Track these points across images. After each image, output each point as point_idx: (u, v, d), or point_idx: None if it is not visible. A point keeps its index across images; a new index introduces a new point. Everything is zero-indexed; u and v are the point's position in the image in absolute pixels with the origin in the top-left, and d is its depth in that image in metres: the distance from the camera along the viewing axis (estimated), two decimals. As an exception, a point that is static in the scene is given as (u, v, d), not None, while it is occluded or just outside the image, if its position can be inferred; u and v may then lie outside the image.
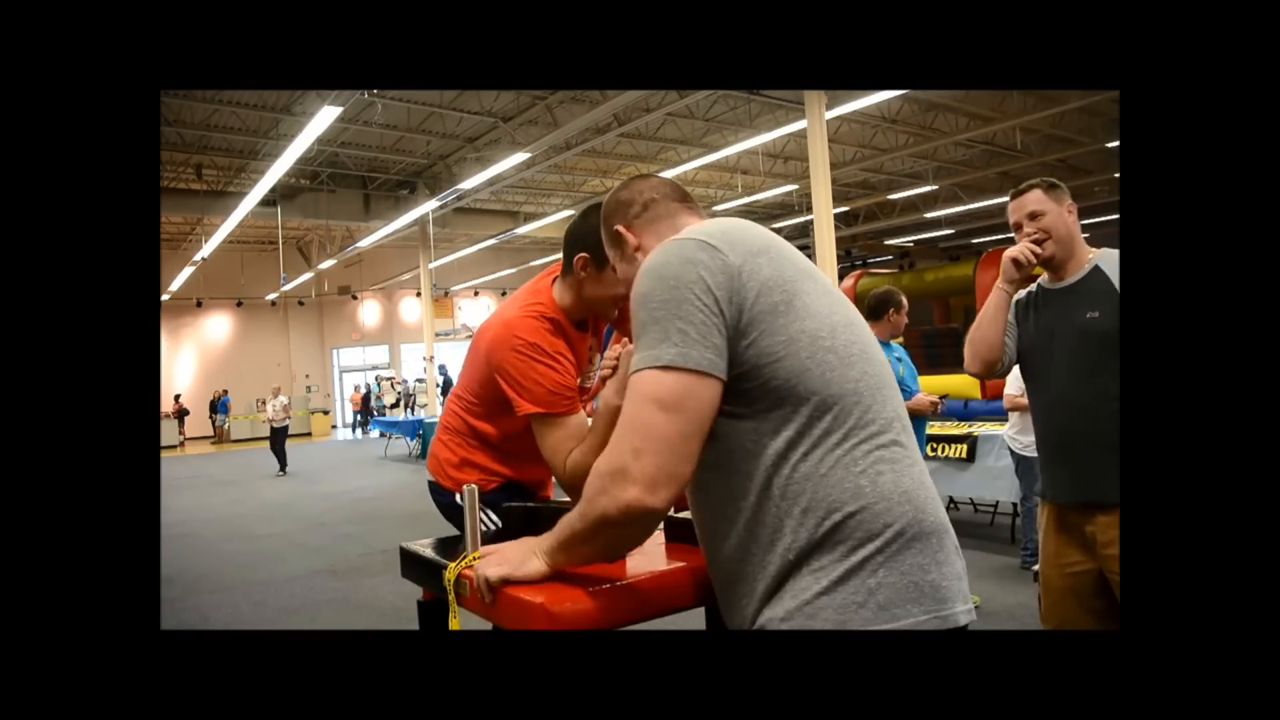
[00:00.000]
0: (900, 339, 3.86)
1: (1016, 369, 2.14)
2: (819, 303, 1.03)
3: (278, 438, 12.61)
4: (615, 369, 1.54)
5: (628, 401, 1.00)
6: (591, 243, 1.56)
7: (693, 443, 0.98)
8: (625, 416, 1.00)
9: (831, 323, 1.03)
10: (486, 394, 1.73)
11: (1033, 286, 2.09)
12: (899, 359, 3.75)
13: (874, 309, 3.72)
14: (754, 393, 0.99)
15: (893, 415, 1.04)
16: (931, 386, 4.32)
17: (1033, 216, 1.99)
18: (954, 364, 12.24)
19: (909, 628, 0.95)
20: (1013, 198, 2.06)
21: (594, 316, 1.79)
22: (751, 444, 1.00)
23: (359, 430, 21.89)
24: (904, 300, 3.72)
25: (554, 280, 1.73)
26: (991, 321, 2.05)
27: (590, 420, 1.65)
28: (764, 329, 0.99)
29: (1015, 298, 2.11)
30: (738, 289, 0.99)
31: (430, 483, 1.90)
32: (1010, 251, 2.00)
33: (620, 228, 1.24)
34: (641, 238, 1.22)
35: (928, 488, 1.03)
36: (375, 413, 20.72)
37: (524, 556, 1.12)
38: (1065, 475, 1.97)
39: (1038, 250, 1.96)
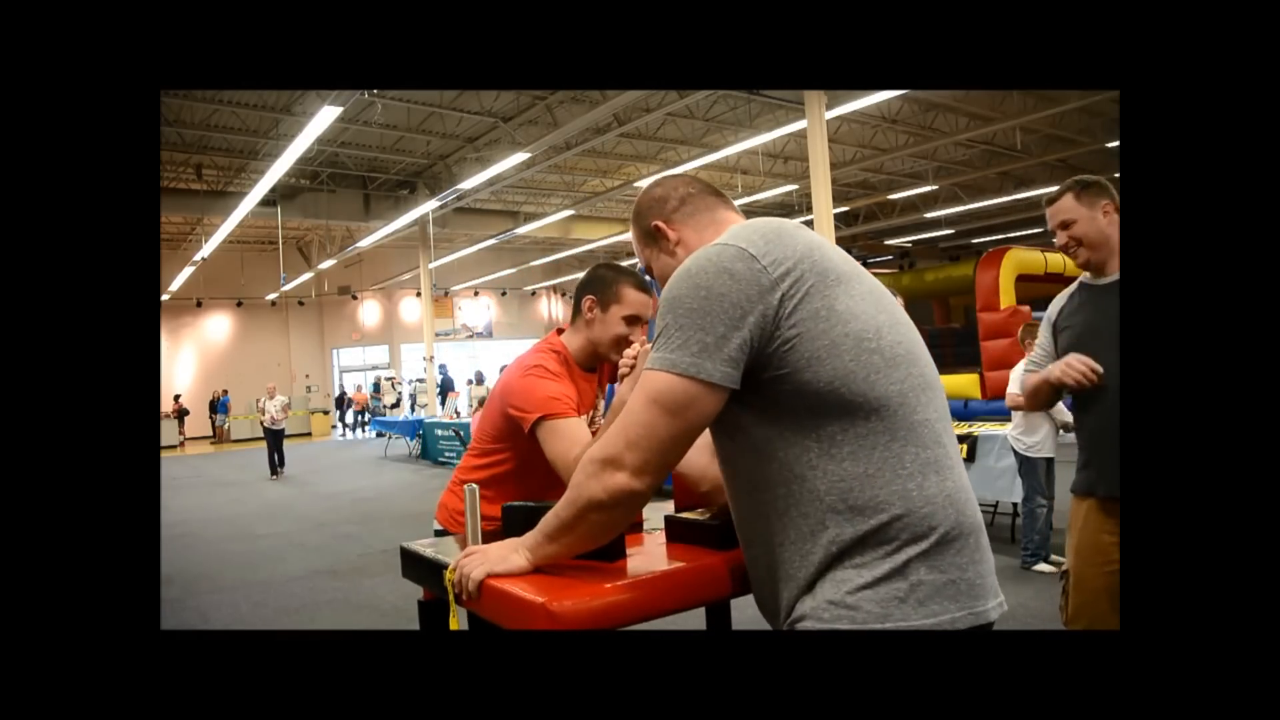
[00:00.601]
0: None
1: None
2: (862, 304, 1.03)
3: (275, 440, 11.96)
4: (634, 368, 1.57)
5: (634, 394, 1.04)
6: (598, 287, 1.82)
7: (685, 443, 1.03)
8: (629, 409, 1.04)
9: (877, 323, 1.03)
10: (498, 430, 1.85)
11: (1074, 285, 2.11)
12: None
13: None
14: (793, 394, 1.00)
15: (936, 416, 1.05)
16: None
17: (1064, 225, 2.01)
18: (954, 364, 12.27)
19: (946, 623, 0.97)
20: (1047, 204, 2.08)
21: (601, 363, 1.91)
22: (793, 435, 1.01)
23: (358, 430, 21.85)
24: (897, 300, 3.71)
25: (562, 331, 1.93)
26: (1045, 401, 2.18)
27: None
28: (804, 333, 0.99)
29: (1057, 299, 2.15)
30: (772, 302, 0.99)
31: (436, 530, 1.96)
32: (1061, 375, 1.96)
33: (659, 223, 1.24)
34: (681, 232, 1.24)
35: (966, 489, 1.05)
36: (373, 413, 20.70)
37: (506, 554, 1.15)
38: (1113, 468, 1.88)
39: (1089, 378, 1.91)
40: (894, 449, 1.00)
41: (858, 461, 0.99)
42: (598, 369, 1.94)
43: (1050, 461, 4.59)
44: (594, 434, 1.82)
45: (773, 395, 1.01)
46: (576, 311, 1.87)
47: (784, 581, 1.05)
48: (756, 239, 1.04)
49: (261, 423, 12.19)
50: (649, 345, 1.54)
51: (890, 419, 1.00)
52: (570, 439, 1.69)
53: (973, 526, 1.03)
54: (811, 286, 1.01)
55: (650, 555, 1.31)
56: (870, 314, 1.03)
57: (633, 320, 1.80)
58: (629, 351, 1.62)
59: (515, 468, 1.85)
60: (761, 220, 1.11)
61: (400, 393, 20.71)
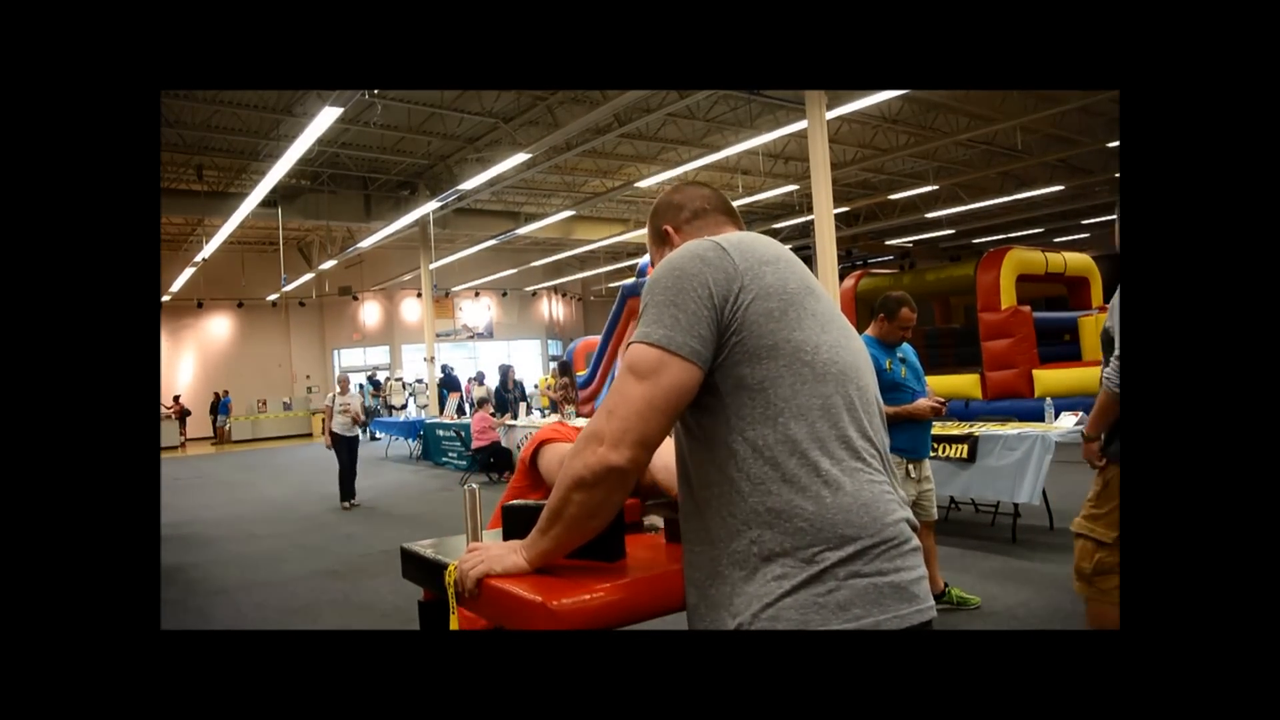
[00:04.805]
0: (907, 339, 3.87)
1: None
2: (812, 320, 1.10)
3: (349, 453, 8.55)
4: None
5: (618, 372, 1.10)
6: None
7: (662, 413, 1.05)
8: (612, 385, 1.09)
9: (818, 340, 1.09)
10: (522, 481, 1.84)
11: None
12: (902, 359, 3.75)
13: (872, 312, 3.80)
14: (732, 386, 1.06)
15: (861, 434, 1.09)
16: (931, 386, 4.31)
17: None
18: (954, 364, 12.25)
19: (868, 627, 0.99)
20: None
21: None
22: (724, 433, 1.06)
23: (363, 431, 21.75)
24: (895, 308, 3.70)
25: None
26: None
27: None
28: (752, 329, 1.06)
29: None
30: (734, 289, 1.07)
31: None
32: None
33: (668, 228, 1.34)
34: (685, 241, 1.29)
35: (889, 499, 1.07)
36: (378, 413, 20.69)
37: (505, 553, 1.17)
38: None
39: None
40: (811, 457, 1.03)
41: (778, 466, 1.03)
42: None
43: None
44: None
45: (712, 384, 1.07)
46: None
47: (712, 581, 1.07)
48: (732, 239, 1.13)
49: (331, 429, 8.62)
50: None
51: (810, 429, 1.04)
52: (561, 454, 1.67)
53: (894, 535, 1.05)
54: (769, 285, 1.08)
55: (650, 555, 1.31)
56: (816, 330, 1.09)
57: None
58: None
59: None
60: (741, 233, 1.21)
61: (406, 394, 20.65)
